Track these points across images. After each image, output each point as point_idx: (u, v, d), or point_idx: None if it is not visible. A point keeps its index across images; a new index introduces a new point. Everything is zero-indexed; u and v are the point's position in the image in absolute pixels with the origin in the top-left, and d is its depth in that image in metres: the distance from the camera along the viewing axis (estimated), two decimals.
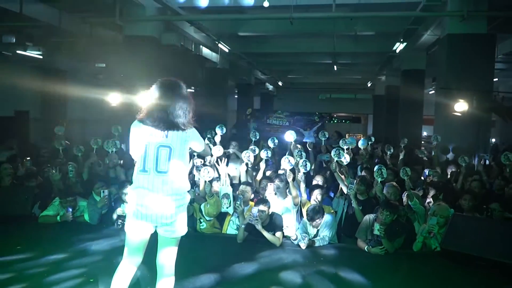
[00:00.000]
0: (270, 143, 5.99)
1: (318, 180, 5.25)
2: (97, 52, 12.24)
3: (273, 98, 25.53)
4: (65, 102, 13.99)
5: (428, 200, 5.33)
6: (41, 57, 11.06)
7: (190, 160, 5.23)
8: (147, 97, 2.72)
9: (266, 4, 6.97)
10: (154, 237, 2.75)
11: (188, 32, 10.63)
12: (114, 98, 8.69)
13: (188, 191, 2.80)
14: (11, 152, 7.15)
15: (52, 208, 4.71)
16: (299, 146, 5.98)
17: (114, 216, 4.55)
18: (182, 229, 2.74)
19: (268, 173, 5.68)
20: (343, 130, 26.91)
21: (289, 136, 6.01)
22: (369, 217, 4.31)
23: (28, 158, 6.34)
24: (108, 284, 2.68)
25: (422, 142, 15.38)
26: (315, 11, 8.91)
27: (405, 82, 13.58)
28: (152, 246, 2.76)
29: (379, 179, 4.75)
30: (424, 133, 17.51)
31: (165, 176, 2.63)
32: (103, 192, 4.60)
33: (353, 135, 25.42)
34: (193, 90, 20.66)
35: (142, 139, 2.68)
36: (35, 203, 4.94)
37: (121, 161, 5.98)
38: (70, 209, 4.68)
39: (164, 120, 2.64)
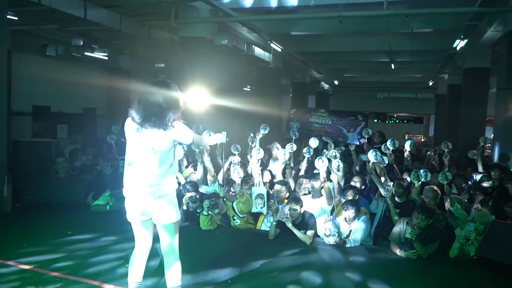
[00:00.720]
0: (312, 143, 6.00)
1: (356, 181, 5.21)
2: (155, 53, 12.93)
3: (329, 97, 25.19)
4: (128, 100, 14.91)
5: (475, 206, 5.09)
6: (106, 58, 11.93)
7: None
8: (141, 96, 2.88)
9: (312, 2, 6.97)
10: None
11: (240, 33, 10.85)
12: None
13: (175, 183, 2.94)
14: (74, 146, 7.82)
15: (103, 198, 5.15)
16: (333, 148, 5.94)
17: None
18: (166, 217, 2.87)
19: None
20: (403, 131, 26.04)
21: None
22: (403, 220, 4.22)
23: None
24: None
25: (488, 145, 14.44)
26: (366, 9, 8.73)
27: (467, 81, 12.83)
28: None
29: (416, 182, 4.62)
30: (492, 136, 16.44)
31: (146, 170, 2.80)
32: None
33: (412, 136, 24.46)
34: (248, 89, 21.07)
35: (130, 134, 2.88)
36: (89, 193, 5.43)
37: None
38: None
39: (147, 118, 2.78)
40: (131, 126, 2.86)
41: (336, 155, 4.70)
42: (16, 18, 8.85)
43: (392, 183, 4.77)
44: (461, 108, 13.45)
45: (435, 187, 4.63)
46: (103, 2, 8.44)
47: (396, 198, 4.71)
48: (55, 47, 11.24)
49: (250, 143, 5.92)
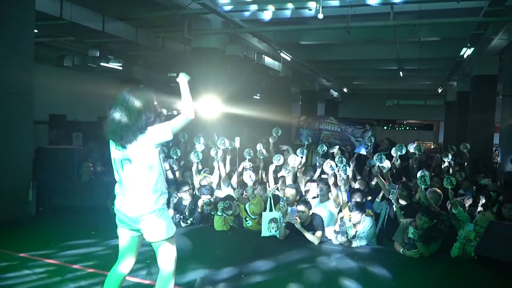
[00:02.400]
0: (319, 151, 6.28)
1: (359, 184, 5.46)
2: (168, 63, 13.27)
3: (338, 105, 25.34)
4: None
5: (478, 209, 5.29)
6: (121, 68, 12.30)
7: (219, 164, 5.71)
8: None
9: (320, 16, 7.25)
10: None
11: (251, 43, 11.15)
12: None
13: (164, 194, 2.75)
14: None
15: None
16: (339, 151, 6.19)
17: (171, 213, 5.14)
18: (156, 234, 2.69)
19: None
20: (412, 138, 26.04)
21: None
22: (406, 220, 4.44)
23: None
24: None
25: (496, 151, 14.49)
26: (373, 19, 8.97)
27: (475, 88, 12.96)
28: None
29: (423, 186, 4.85)
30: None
31: (131, 187, 2.67)
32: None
33: (422, 142, 24.43)
34: (258, 97, 21.36)
35: (112, 153, 2.75)
36: (109, 196, 5.73)
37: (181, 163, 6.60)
38: None
39: (116, 134, 2.62)
40: (111, 145, 2.74)
41: (342, 159, 4.92)
42: (36, 31, 9.27)
43: (397, 185, 4.98)
44: (469, 115, 13.55)
45: (437, 190, 4.85)
46: (120, 15, 8.82)
47: (401, 200, 4.92)
48: (71, 58, 11.59)
49: (261, 148, 6.23)
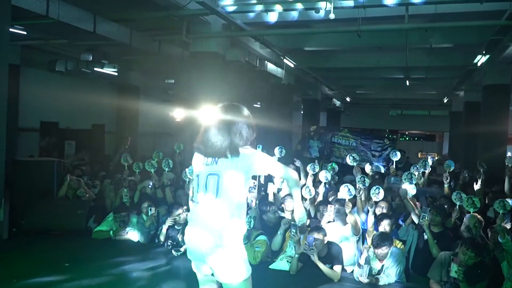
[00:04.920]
0: (329, 171, 5.56)
1: (382, 206, 4.69)
2: (166, 69, 12.72)
3: (340, 114, 24.85)
4: (137, 116, 14.71)
5: None
6: (116, 74, 11.75)
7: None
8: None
9: (332, 16, 6.61)
10: None
11: (253, 48, 10.62)
12: (179, 113, 8.88)
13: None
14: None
15: (106, 223, 4.73)
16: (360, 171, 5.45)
17: (162, 238, 4.43)
18: (229, 275, 2.31)
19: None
20: (415, 148, 25.46)
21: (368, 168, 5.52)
22: (444, 254, 3.73)
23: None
24: None
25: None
26: (385, 23, 8.39)
27: (487, 98, 12.40)
28: None
29: (472, 210, 4.10)
30: (509, 154, 15.91)
31: (212, 207, 2.36)
32: (150, 210, 4.52)
33: (425, 154, 23.87)
34: (258, 106, 20.80)
35: (196, 167, 2.49)
36: (91, 216, 5.02)
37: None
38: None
39: (207, 146, 2.39)
40: (197, 158, 2.51)
41: (365, 180, 4.23)
42: (24, 33, 8.68)
43: (428, 209, 4.26)
44: (479, 126, 12.99)
45: (477, 215, 4.13)
46: (113, 16, 8.23)
47: (432, 227, 4.21)
48: (64, 63, 11.11)
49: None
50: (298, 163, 6.00)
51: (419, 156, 22.94)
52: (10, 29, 8.06)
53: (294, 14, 8.18)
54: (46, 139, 12.30)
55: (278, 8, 7.24)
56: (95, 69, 11.13)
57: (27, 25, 7.96)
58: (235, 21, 7.99)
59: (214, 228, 2.30)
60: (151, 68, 13.09)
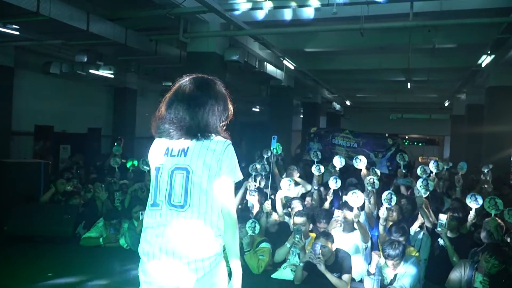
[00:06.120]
0: (337, 163, 5.28)
1: (393, 209, 4.37)
2: (162, 70, 12.48)
3: (340, 118, 24.65)
4: (134, 119, 14.47)
5: None
6: (112, 76, 11.50)
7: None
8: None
9: (334, 10, 6.36)
10: None
11: (252, 49, 10.39)
12: None
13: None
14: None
15: (96, 229, 4.42)
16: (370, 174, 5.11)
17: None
18: None
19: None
20: (416, 153, 25.20)
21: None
22: (464, 263, 3.41)
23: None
24: None
25: None
26: (388, 21, 8.15)
27: (491, 100, 12.14)
28: None
29: (493, 212, 3.77)
30: None
31: (181, 221, 1.79)
32: (141, 215, 4.20)
33: (426, 158, 23.64)
34: (257, 109, 20.57)
35: (154, 159, 1.99)
36: (80, 222, 4.69)
37: None
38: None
39: (173, 122, 1.94)
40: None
41: (375, 183, 3.92)
42: (17, 33, 8.43)
43: (445, 215, 3.93)
44: (482, 129, 12.75)
45: (498, 219, 3.81)
46: (107, 14, 7.97)
47: (448, 233, 3.89)
48: (59, 65, 10.98)
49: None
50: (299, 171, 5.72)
51: (420, 160, 22.69)
52: (3, 29, 7.89)
53: (296, 13, 7.95)
54: (40, 143, 12.05)
55: (292, 3, 7.00)
56: (91, 71, 10.93)
57: (19, 24, 7.72)
58: (233, 19, 7.73)
59: (190, 256, 1.72)
60: (148, 70, 12.86)
